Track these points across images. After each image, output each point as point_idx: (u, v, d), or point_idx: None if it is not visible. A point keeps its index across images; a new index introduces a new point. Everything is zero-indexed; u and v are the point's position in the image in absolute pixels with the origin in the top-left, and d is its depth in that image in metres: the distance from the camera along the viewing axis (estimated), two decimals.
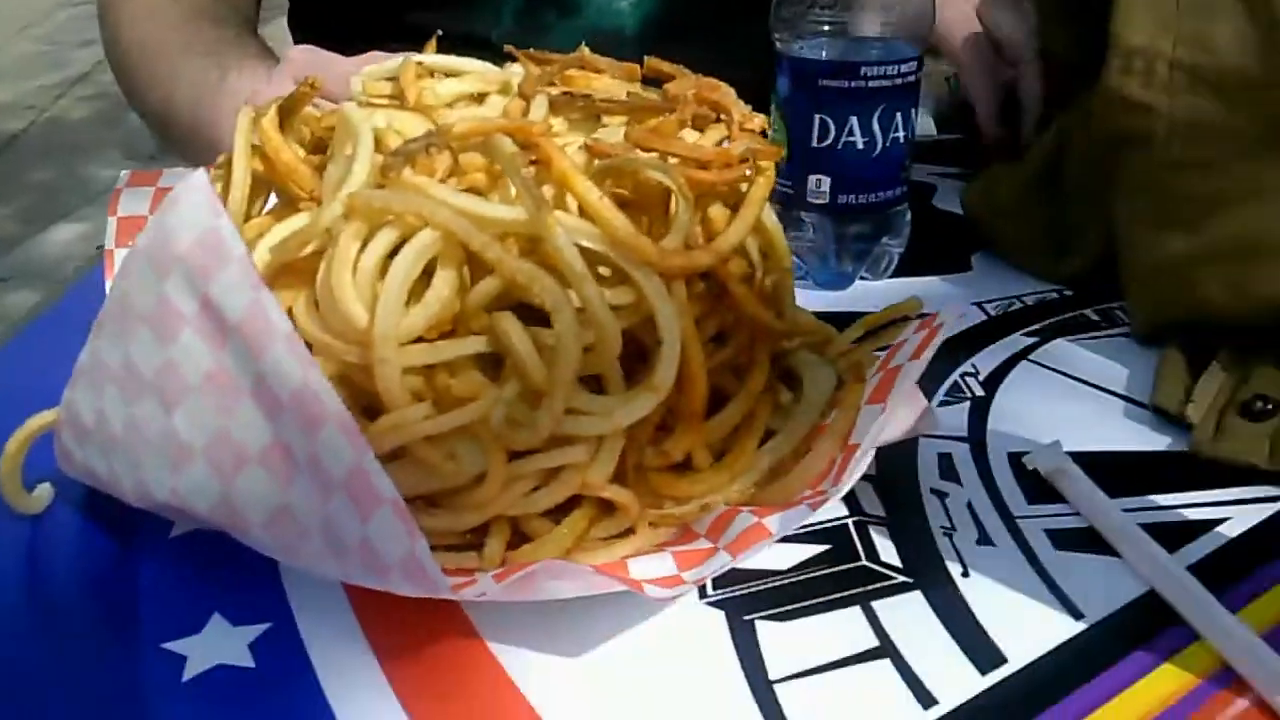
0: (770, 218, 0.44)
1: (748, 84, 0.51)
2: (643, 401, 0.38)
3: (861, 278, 0.65)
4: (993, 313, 0.63)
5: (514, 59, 0.50)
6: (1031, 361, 0.57)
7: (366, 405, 0.40)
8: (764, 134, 0.46)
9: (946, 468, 0.48)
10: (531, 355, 0.37)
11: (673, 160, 0.41)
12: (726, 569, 0.36)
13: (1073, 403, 0.53)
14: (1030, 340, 0.59)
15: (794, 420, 0.43)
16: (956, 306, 0.41)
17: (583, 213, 0.39)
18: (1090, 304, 0.63)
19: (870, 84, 0.60)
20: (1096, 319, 0.62)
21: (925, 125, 1.05)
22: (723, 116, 0.46)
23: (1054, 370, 0.57)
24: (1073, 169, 0.67)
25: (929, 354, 0.39)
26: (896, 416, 0.40)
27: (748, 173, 0.43)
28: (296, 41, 0.96)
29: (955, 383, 0.55)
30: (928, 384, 0.53)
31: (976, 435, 0.50)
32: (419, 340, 0.38)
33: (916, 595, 0.40)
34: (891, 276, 0.66)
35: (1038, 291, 0.65)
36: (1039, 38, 0.77)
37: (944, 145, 0.92)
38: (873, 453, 0.38)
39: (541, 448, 0.38)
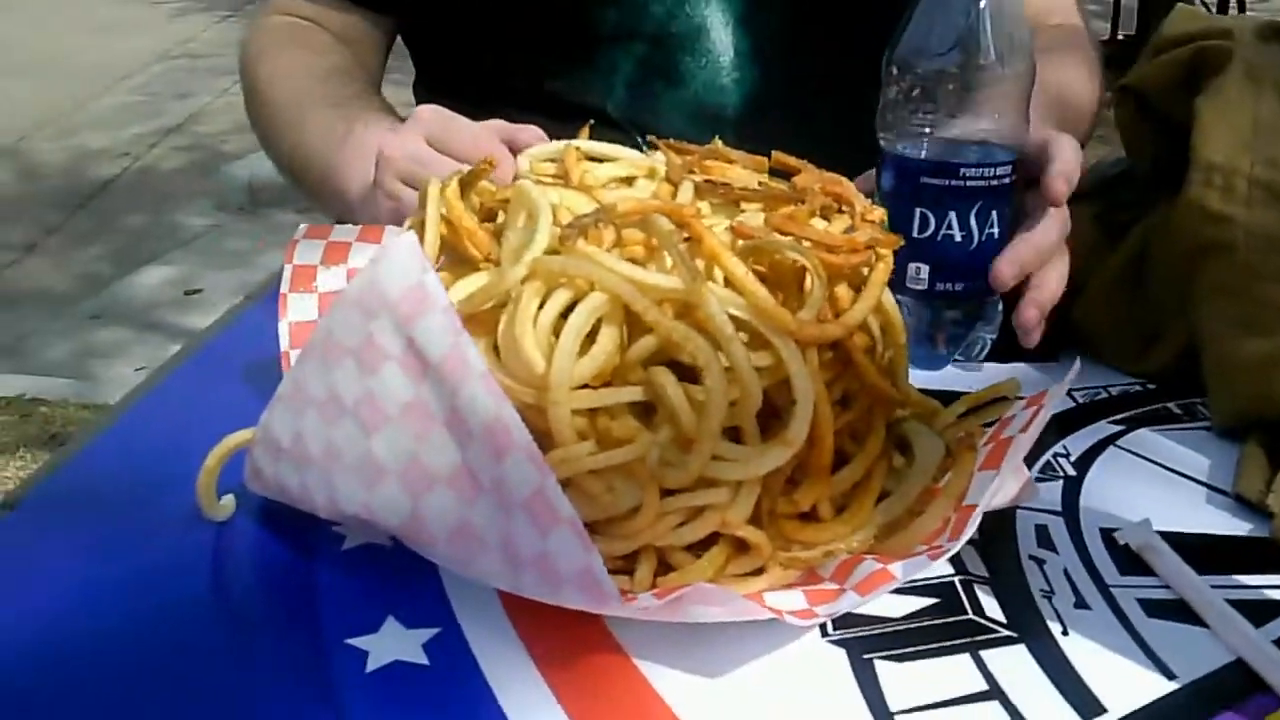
0: (889, 299, 0.49)
1: (828, 160, 0.56)
2: (777, 453, 0.43)
3: (955, 360, 0.70)
4: (1081, 400, 0.67)
5: (641, 137, 0.56)
6: (1119, 447, 0.61)
7: (537, 441, 0.45)
8: (881, 224, 0.51)
9: (1043, 537, 0.52)
10: (684, 405, 0.42)
11: (806, 244, 0.46)
12: (857, 607, 0.40)
13: (1159, 487, 0.57)
14: (1117, 428, 0.63)
15: (907, 482, 0.47)
16: (1061, 387, 0.45)
17: (728, 285, 0.44)
18: (1172, 397, 0.67)
19: (969, 183, 0.65)
20: (1179, 412, 0.65)
21: None
22: (845, 207, 0.51)
23: (1140, 456, 0.60)
24: (1156, 271, 0.71)
25: (1036, 429, 0.44)
26: (1005, 484, 0.44)
27: (870, 258, 0.48)
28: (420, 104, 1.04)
29: (1048, 462, 0.58)
30: (1024, 461, 0.57)
31: (1070, 510, 0.54)
32: (585, 387, 0.43)
33: (1020, 648, 0.44)
34: (984, 360, 0.70)
35: (1122, 383, 0.69)
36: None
37: None
38: (981, 514, 0.43)
39: (689, 488, 0.42)
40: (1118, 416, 0.65)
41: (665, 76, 0.92)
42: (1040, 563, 0.50)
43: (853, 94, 0.75)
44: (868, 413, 0.48)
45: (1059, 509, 0.54)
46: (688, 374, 0.44)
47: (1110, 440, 0.62)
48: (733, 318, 0.43)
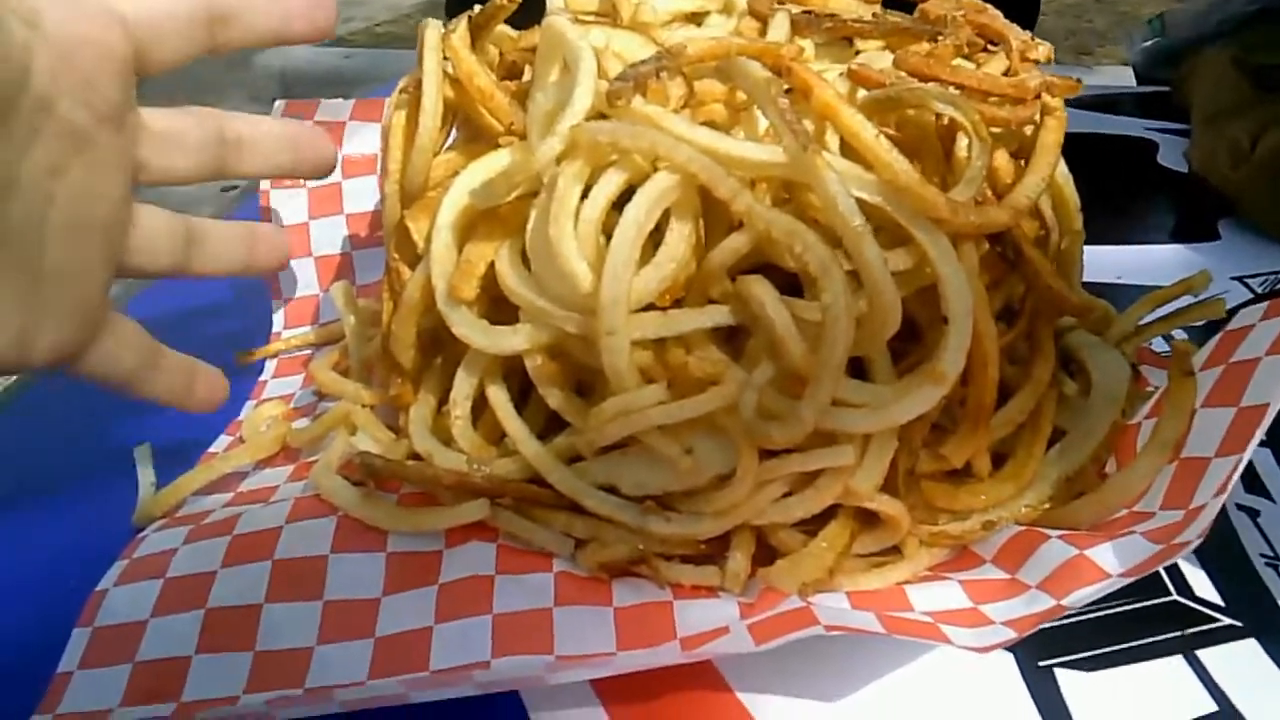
0: (1062, 168, 0.36)
1: None
2: (925, 394, 0.30)
3: None
4: (1258, 289, 0.53)
5: None
6: None
7: (580, 381, 0.33)
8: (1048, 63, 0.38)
9: (1250, 478, 0.39)
10: (791, 331, 0.30)
11: (954, 92, 0.33)
12: (1053, 619, 0.28)
13: None
14: None
15: (1088, 418, 0.35)
16: None
17: (845, 153, 0.32)
18: None
19: None
20: None
21: (1124, 74, 0.94)
22: (994, 43, 0.38)
23: None
24: None
25: None
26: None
27: (1036, 111, 0.35)
28: None
29: None
30: None
31: (1277, 437, 0.41)
32: (650, 308, 0.31)
33: (1251, 644, 0.32)
34: (1132, 244, 0.57)
35: None
36: None
37: (1151, 98, 0.81)
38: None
39: (800, 446, 0.30)
40: None
41: None
42: (1254, 514, 0.37)
43: None
44: (1030, 327, 0.35)
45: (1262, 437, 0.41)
46: (791, 285, 0.31)
47: None
48: (859, 202, 0.30)
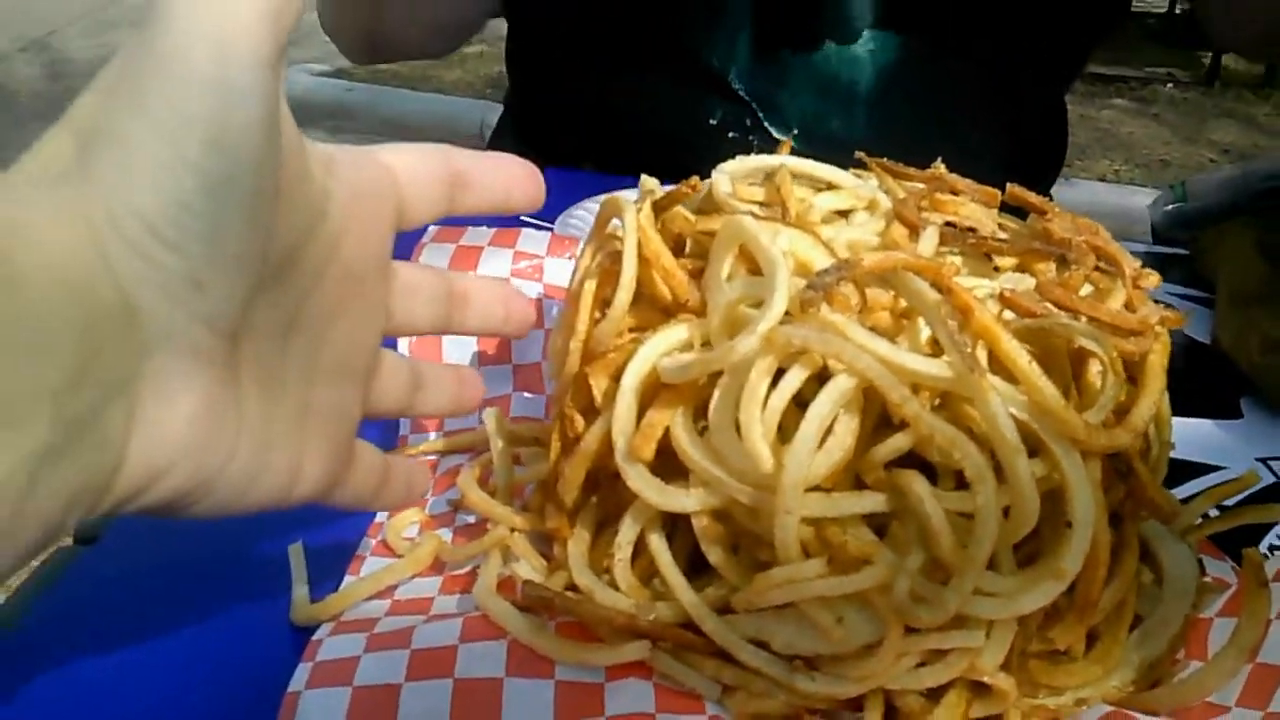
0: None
1: (982, 174, 0.48)
2: (1047, 588, 0.35)
3: None
4: None
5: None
6: None
7: (735, 543, 0.37)
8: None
9: None
10: (944, 526, 0.34)
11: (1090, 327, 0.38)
12: None
13: None
14: None
15: (1164, 607, 0.40)
16: None
17: (994, 369, 0.36)
18: None
19: None
20: None
21: (1101, 189, 1.00)
22: (1106, 264, 0.43)
23: None
24: None
25: None
26: None
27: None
28: (513, 58, 0.94)
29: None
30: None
31: None
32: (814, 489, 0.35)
33: None
34: None
35: None
36: None
37: (1171, 260, 0.87)
38: None
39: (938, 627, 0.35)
40: None
41: (791, 39, 0.82)
42: None
43: (983, 73, 0.67)
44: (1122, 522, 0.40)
45: None
46: (922, 468, 0.36)
47: None
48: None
